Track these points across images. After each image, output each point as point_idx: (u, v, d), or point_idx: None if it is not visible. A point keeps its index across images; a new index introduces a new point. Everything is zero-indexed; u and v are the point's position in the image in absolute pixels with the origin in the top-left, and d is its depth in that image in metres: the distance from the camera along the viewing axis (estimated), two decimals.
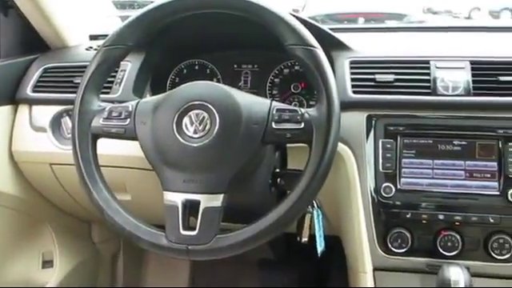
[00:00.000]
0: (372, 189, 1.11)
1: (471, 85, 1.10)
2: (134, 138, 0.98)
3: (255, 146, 0.94)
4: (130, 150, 1.08)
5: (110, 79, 1.22)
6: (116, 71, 1.27)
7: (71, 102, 1.03)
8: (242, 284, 2.05)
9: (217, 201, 0.92)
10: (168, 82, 1.36)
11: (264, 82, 1.32)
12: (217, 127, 0.92)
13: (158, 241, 0.93)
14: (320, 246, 1.15)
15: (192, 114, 0.94)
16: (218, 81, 1.34)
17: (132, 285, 1.96)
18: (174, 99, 0.97)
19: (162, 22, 1.00)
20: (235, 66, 1.35)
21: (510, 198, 1.05)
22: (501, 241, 1.05)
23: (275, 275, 2.03)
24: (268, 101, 0.96)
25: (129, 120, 0.98)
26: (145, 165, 0.99)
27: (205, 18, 1.01)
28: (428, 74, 1.13)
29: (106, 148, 1.03)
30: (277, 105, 0.95)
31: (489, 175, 1.07)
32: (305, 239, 1.15)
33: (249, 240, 0.91)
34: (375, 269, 1.13)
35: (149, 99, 1.01)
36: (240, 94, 0.97)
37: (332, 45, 1.19)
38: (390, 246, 1.09)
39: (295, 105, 1.28)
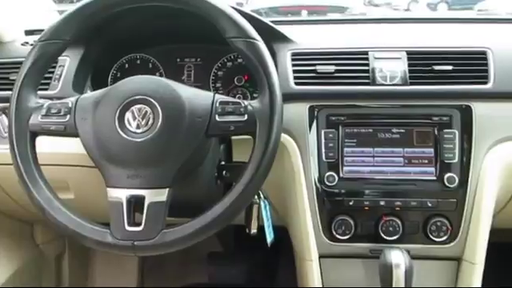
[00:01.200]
0: (316, 178, 1.13)
1: (408, 74, 1.14)
2: (75, 135, 0.96)
3: (199, 140, 0.94)
4: (71, 147, 1.05)
5: (48, 75, 1.19)
6: (54, 67, 1.23)
7: (7, 99, 1.00)
8: (192, 279, 2.04)
9: (162, 195, 0.91)
10: (109, 77, 1.34)
11: (207, 75, 1.32)
12: (160, 121, 0.92)
13: (102, 238, 0.92)
14: (269, 237, 1.17)
15: (134, 108, 0.93)
16: (161, 75, 1.33)
17: (78, 285, 1.92)
18: (116, 94, 0.95)
19: (100, 16, 0.99)
20: (178, 59, 1.34)
21: (446, 182, 1.09)
22: (438, 223, 1.10)
23: (224, 268, 2.04)
24: (211, 94, 0.97)
25: (69, 116, 0.96)
26: (87, 162, 0.97)
27: (145, 11, 1.00)
28: (367, 65, 1.16)
29: (46, 146, 1.00)
30: (220, 97, 0.96)
31: (426, 161, 1.11)
32: (254, 230, 1.16)
33: (195, 233, 0.91)
34: (321, 256, 1.16)
35: (89, 95, 0.99)
36: (183, 87, 0.97)
37: (273, 37, 1.21)
38: (334, 233, 1.12)
39: (239, 97, 1.28)
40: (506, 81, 1.13)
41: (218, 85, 1.31)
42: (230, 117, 0.94)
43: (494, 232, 1.18)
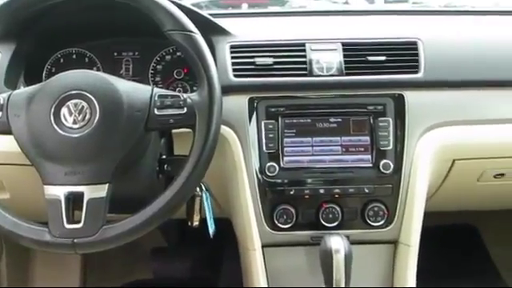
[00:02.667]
0: (257, 169, 1.14)
1: (343, 65, 1.17)
2: (8, 133, 0.93)
3: (138, 134, 0.93)
4: (4, 145, 1.02)
5: None
6: None
7: None
8: (137, 276, 2.02)
9: (101, 191, 0.90)
10: (44, 72, 1.30)
11: (146, 69, 1.30)
12: (97, 116, 0.91)
13: (40, 237, 0.90)
14: (211, 228, 1.18)
15: (70, 103, 0.92)
16: (98, 69, 1.30)
17: (18, 286, 1.86)
18: (50, 89, 0.93)
19: (29, 9, 0.96)
20: (115, 53, 1.31)
21: (381, 168, 1.13)
22: (376, 209, 1.14)
23: (169, 263, 2.03)
24: (149, 87, 0.96)
25: (0, 113, 0.93)
26: (22, 160, 0.95)
27: (79, 4, 0.98)
28: (304, 57, 1.18)
29: None
30: (158, 91, 0.96)
31: (362, 149, 1.15)
32: (196, 223, 1.16)
33: (137, 228, 0.91)
34: (264, 245, 1.18)
35: (22, 90, 0.97)
36: (120, 81, 0.96)
37: (212, 30, 1.21)
38: (276, 222, 1.14)
39: (179, 91, 1.28)
40: (436, 70, 1.18)
41: (158, 78, 1.30)
42: (169, 110, 0.94)
43: (428, 215, 1.24)
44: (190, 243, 2.04)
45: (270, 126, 1.15)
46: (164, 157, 1.10)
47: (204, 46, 0.96)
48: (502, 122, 1.19)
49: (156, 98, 0.94)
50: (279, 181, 1.14)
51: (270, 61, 1.18)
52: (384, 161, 1.13)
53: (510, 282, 2.10)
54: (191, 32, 0.96)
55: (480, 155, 1.21)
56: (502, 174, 1.27)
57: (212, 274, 2.00)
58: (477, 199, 1.44)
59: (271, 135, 1.15)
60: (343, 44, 1.20)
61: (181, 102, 0.94)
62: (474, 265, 2.16)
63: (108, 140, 0.91)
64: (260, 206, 1.15)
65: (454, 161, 1.21)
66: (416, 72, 1.17)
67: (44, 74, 1.30)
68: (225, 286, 1.92)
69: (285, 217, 1.14)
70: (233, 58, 1.19)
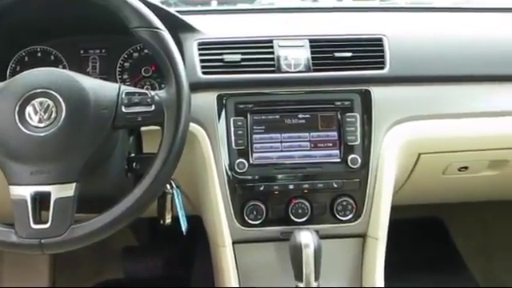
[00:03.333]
0: (226, 165, 1.15)
1: (311, 61, 1.18)
2: None
3: (106, 132, 0.92)
4: None
5: None
6: None
7: None
8: (108, 276, 2.01)
9: (69, 190, 0.89)
10: (8, 71, 1.28)
11: (113, 66, 1.29)
12: (63, 115, 0.90)
13: (7, 238, 0.89)
14: (184, 225, 1.18)
15: (35, 102, 0.91)
16: (64, 67, 1.28)
17: None
18: (14, 88, 0.92)
19: None
20: (81, 51, 1.30)
21: (349, 163, 1.15)
22: (344, 203, 1.15)
23: (140, 262, 2.02)
24: (116, 85, 0.95)
25: None
26: None
27: (45, 1, 0.96)
28: (272, 53, 1.19)
29: None
30: (126, 88, 0.95)
31: (331, 144, 1.16)
32: (168, 221, 1.16)
33: (106, 227, 0.90)
34: (234, 242, 1.18)
35: None
36: (86, 79, 0.95)
37: (179, 27, 1.20)
38: (246, 218, 1.15)
39: (147, 88, 1.27)
40: (401, 66, 1.20)
41: (125, 76, 1.29)
42: (137, 108, 0.93)
43: (396, 209, 1.26)
44: (162, 242, 2.03)
45: (239, 123, 1.15)
46: (133, 155, 1.09)
47: (171, 43, 0.96)
48: (466, 116, 1.21)
49: (123, 96, 0.93)
50: (249, 177, 1.15)
51: (238, 58, 1.18)
52: (352, 156, 1.15)
53: (475, 272, 2.16)
54: (158, 29, 0.95)
55: (445, 149, 1.24)
56: (466, 167, 1.30)
57: (184, 273, 2.00)
58: (442, 192, 1.47)
59: (240, 132, 1.15)
60: (310, 41, 1.21)
61: (148, 100, 0.93)
62: (441, 256, 2.21)
63: (74, 139, 0.90)
64: (230, 202, 1.15)
65: (419, 155, 1.24)
66: (382, 68, 1.19)
67: (8, 73, 1.27)
68: (197, 283, 1.92)
69: (255, 213, 1.15)
70: (201, 55, 1.18)
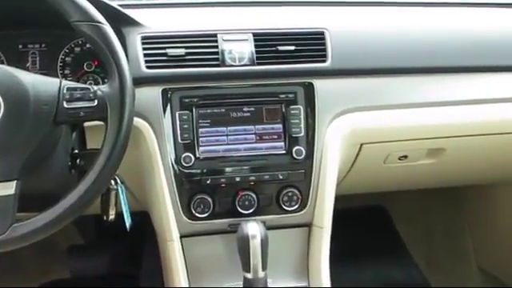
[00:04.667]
0: (173, 160, 1.14)
1: (255, 55, 1.19)
2: None
3: (47, 128, 0.91)
4: None
5: None
6: None
7: None
8: (54, 276, 1.96)
9: (9, 188, 0.87)
10: None
11: (54, 61, 1.26)
12: (1, 111, 0.87)
13: None
14: (128, 221, 1.17)
15: None
16: (2, 63, 1.24)
17: None
18: None
19: None
20: (20, 46, 1.26)
21: (294, 155, 1.17)
22: (290, 194, 1.17)
23: (87, 261, 1.98)
24: (57, 80, 0.94)
25: None
26: None
27: None
28: (216, 47, 1.19)
29: None
30: (67, 83, 0.93)
31: (276, 136, 1.18)
32: (112, 217, 1.15)
33: (48, 225, 0.89)
34: (182, 236, 1.18)
35: None
36: (25, 74, 0.93)
37: (122, 21, 1.19)
38: (193, 212, 1.15)
39: (90, 83, 1.25)
40: (343, 58, 1.23)
41: (67, 71, 1.26)
42: (79, 103, 0.92)
43: (340, 198, 1.29)
44: (109, 239, 2.00)
45: (185, 117, 1.15)
46: (76, 151, 1.08)
47: (113, 36, 0.95)
48: (405, 106, 1.26)
49: (65, 91, 0.92)
50: (195, 171, 1.15)
51: (182, 52, 1.18)
52: (296, 147, 1.17)
53: (417, 258, 2.24)
54: (99, 23, 0.94)
55: (385, 139, 1.28)
56: (406, 156, 1.35)
57: (133, 270, 1.98)
58: (384, 181, 1.52)
59: (186, 126, 1.15)
60: (254, 34, 1.22)
61: (91, 95, 0.92)
62: (385, 243, 2.29)
63: (14, 135, 0.88)
64: (177, 196, 1.15)
65: (361, 145, 1.27)
66: (324, 61, 1.22)
67: None
68: (146, 280, 1.91)
69: (202, 206, 1.15)
70: (144, 49, 1.17)
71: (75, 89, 0.92)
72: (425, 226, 2.27)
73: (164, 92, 1.15)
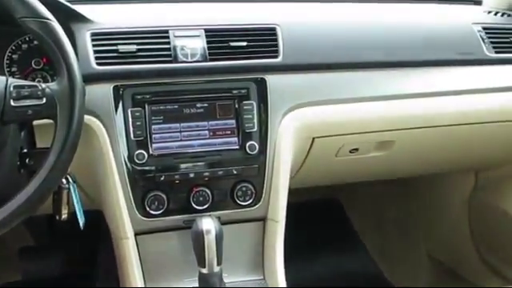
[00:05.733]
0: (126, 157, 1.13)
1: (207, 51, 1.19)
2: None
3: None
4: None
5: None
6: None
7: None
8: (5, 279, 1.91)
9: None
10: None
11: (1, 59, 1.22)
12: None
13: None
14: (81, 220, 1.15)
15: None
16: None
17: None
18: None
19: None
20: None
21: (248, 150, 1.18)
22: (244, 189, 1.18)
23: (39, 262, 1.94)
24: (3, 78, 0.91)
25: None
26: None
27: None
28: (168, 43, 1.19)
29: None
30: (14, 81, 0.91)
31: (229, 132, 1.18)
32: (64, 216, 1.13)
33: None
34: (136, 233, 1.18)
35: None
36: None
37: (70, 17, 1.17)
38: (147, 209, 1.14)
39: (39, 81, 1.22)
40: (294, 54, 1.25)
41: (14, 69, 1.23)
42: (27, 101, 0.90)
43: (295, 192, 1.31)
44: (61, 240, 1.97)
45: (137, 114, 1.14)
46: (25, 150, 1.05)
47: (61, 33, 0.93)
48: (355, 100, 1.28)
49: (11, 89, 0.89)
50: (149, 168, 1.14)
51: (133, 48, 1.17)
52: (250, 142, 1.18)
53: (370, 248, 2.30)
54: (47, 19, 0.92)
55: (337, 132, 1.30)
56: (357, 149, 1.38)
57: (87, 270, 1.95)
58: (336, 173, 1.55)
59: (138, 123, 1.14)
60: (206, 30, 1.22)
61: (39, 92, 0.90)
62: (339, 235, 2.34)
63: None
64: (130, 194, 1.14)
65: (313, 139, 1.29)
66: (276, 57, 1.23)
67: None
68: (101, 279, 1.88)
69: (156, 203, 1.15)
70: (94, 45, 1.16)
71: (23, 86, 0.90)
72: (377, 217, 2.33)
73: (115, 89, 1.14)
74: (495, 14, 1.54)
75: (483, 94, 1.38)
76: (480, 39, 1.41)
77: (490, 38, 1.42)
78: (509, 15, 1.55)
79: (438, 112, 1.36)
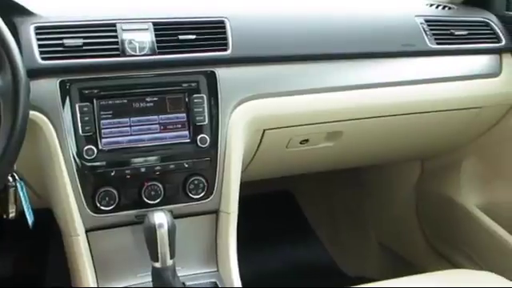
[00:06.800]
0: (74, 153, 1.11)
1: (156, 44, 1.18)
2: None
3: None
4: None
5: None
6: None
7: None
8: None
9: None
10: None
11: None
12: None
13: None
14: (30, 218, 1.13)
15: None
16: None
17: None
18: None
19: None
20: None
21: (199, 143, 1.18)
22: (196, 182, 1.19)
23: None
24: None
25: None
26: None
27: None
28: (116, 37, 1.17)
29: None
30: None
31: (180, 126, 1.18)
32: (12, 215, 1.10)
33: None
34: (87, 230, 1.16)
35: None
36: None
37: (12, 10, 1.13)
38: (98, 205, 1.13)
39: None
40: (243, 47, 1.25)
41: None
42: None
43: (248, 184, 1.33)
44: (10, 240, 1.91)
45: (85, 109, 1.12)
46: None
47: (3, 27, 0.91)
48: (304, 92, 1.30)
49: None
50: (98, 163, 1.13)
51: (79, 42, 1.14)
52: (201, 135, 1.18)
53: (323, 239, 2.35)
54: None
55: (287, 124, 1.32)
56: (307, 140, 1.41)
57: (38, 270, 1.91)
58: (288, 165, 1.58)
59: (87, 118, 1.12)
60: (154, 24, 1.21)
61: None
62: (292, 227, 2.37)
63: None
64: (80, 190, 1.12)
65: (264, 131, 1.31)
66: (225, 49, 1.23)
67: None
68: (52, 279, 1.85)
69: (107, 199, 1.13)
70: (39, 39, 1.13)
71: None
72: (329, 207, 2.37)
73: (62, 84, 1.11)
74: (436, 7, 1.60)
75: (426, 84, 1.43)
76: (422, 31, 1.45)
77: (431, 29, 1.47)
78: (449, 8, 1.61)
79: (384, 102, 1.40)
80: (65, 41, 1.14)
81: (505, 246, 1.63)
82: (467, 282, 1.13)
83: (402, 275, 1.15)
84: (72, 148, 1.11)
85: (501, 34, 1.55)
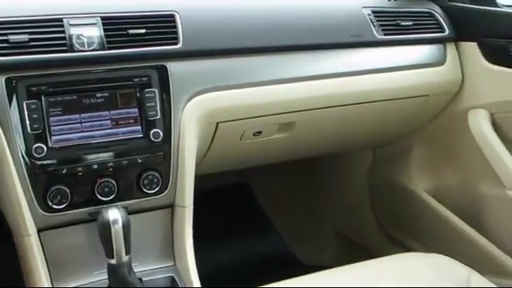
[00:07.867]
0: (23, 152, 1.09)
1: (105, 39, 1.16)
2: None
3: None
4: None
5: None
6: None
7: None
8: None
9: None
10: None
11: None
12: None
13: None
14: None
15: None
16: None
17: None
18: None
19: None
20: None
21: (152, 138, 1.17)
22: (150, 177, 1.18)
23: None
24: None
25: None
26: None
27: None
28: (63, 32, 1.15)
29: None
30: None
31: (132, 121, 1.17)
32: None
33: None
34: (39, 230, 1.14)
35: None
36: None
37: None
38: (50, 204, 1.11)
39: None
40: (195, 40, 1.25)
41: None
42: None
43: (204, 177, 1.33)
44: None
45: (33, 106, 1.10)
46: None
47: None
48: (255, 85, 1.31)
49: None
50: (49, 161, 1.11)
51: (25, 38, 1.11)
52: (154, 130, 1.18)
53: (281, 230, 2.37)
54: None
55: (239, 116, 1.33)
56: (260, 132, 1.42)
57: None
58: (242, 157, 1.59)
59: (35, 115, 1.10)
60: (102, 18, 1.19)
61: None
62: (250, 219, 2.38)
63: None
64: (31, 189, 1.10)
65: (217, 124, 1.31)
66: (176, 43, 1.23)
67: None
68: (3, 281, 1.80)
69: (59, 197, 1.11)
70: None
71: None
72: (285, 198, 2.40)
73: (8, 81, 1.08)
74: None
75: (375, 74, 1.47)
76: (370, 22, 1.49)
77: (378, 20, 1.50)
78: None
79: (334, 93, 1.42)
80: (10, 37, 1.11)
81: (454, 228, 1.70)
82: (418, 265, 1.17)
83: (357, 261, 1.18)
84: (21, 146, 1.09)
85: (444, 24, 1.60)
